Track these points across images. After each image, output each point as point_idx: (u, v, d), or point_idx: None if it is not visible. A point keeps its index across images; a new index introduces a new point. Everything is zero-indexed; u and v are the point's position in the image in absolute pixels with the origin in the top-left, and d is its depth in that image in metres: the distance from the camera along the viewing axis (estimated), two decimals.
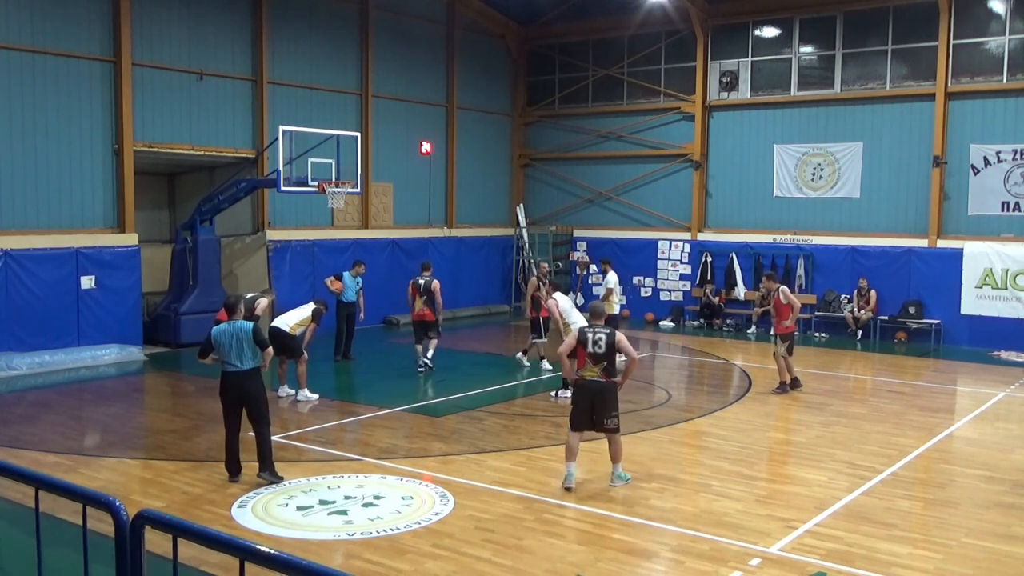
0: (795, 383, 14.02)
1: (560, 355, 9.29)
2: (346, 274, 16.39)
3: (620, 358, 9.14)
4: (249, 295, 13.99)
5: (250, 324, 9.09)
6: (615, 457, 9.01)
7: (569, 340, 9.21)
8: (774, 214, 21.60)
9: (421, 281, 15.21)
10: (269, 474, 8.96)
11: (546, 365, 15.28)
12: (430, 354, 15.24)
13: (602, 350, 8.83)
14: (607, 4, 22.89)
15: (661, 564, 7.21)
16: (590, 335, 8.91)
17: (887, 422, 12.07)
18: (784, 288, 13.95)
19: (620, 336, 8.91)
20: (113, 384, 14.75)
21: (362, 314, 16.57)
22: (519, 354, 16.02)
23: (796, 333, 14.45)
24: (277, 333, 12.37)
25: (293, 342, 12.68)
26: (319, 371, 13.90)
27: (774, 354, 14.14)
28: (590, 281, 24.13)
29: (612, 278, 16.14)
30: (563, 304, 13.39)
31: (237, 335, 8.87)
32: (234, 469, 9.05)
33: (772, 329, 14.85)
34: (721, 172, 22.45)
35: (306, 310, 13.17)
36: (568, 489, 8.80)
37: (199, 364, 11.74)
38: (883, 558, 7.18)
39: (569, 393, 13.18)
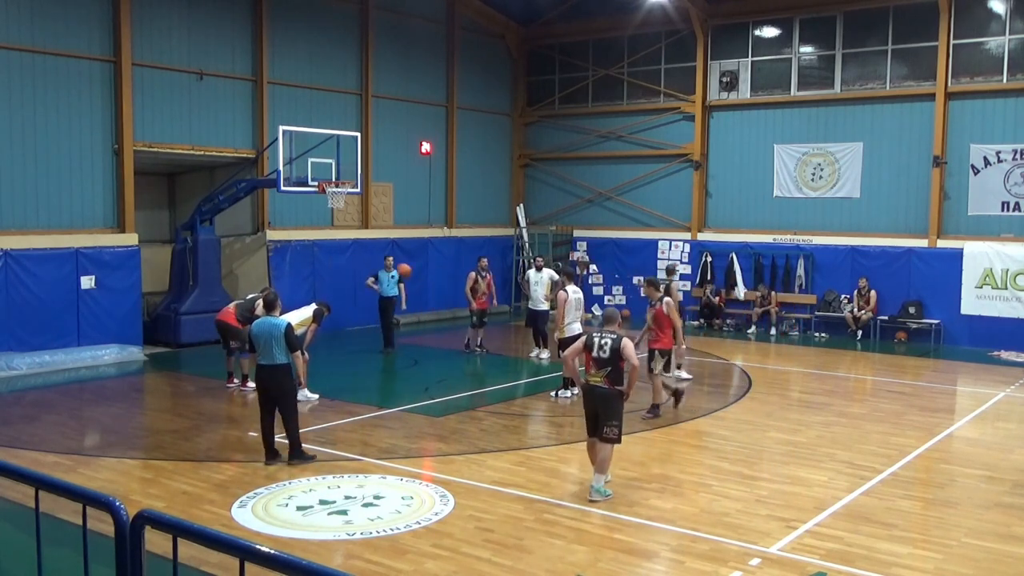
0: (654, 410, 12.15)
1: (565, 358, 9.21)
2: (380, 272, 17.29)
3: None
4: (249, 295, 14.02)
5: (284, 323, 9.71)
6: (600, 466, 8.61)
7: (576, 344, 9.08)
8: (774, 214, 21.60)
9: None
10: (297, 459, 9.57)
11: (678, 375, 14.82)
12: (479, 340, 17.34)
13: (606, 355, 8.62)
14: (607, 4, 22.89)
15: (661, 564, 7.21)
16: (596, 339, 8.73)
17: (887, 422, 12.07)
18: (668, 300, 12.41)
19: (627, 342, 8.66)
20: (113, 384, 14.74)
21: (403, 304, 17.61)
22: (678, 371, 14.82)
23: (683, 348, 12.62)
24: None
25: (294, 342, 12.66)
26: (320, 371, 13.90)
27: (650, 372, 12.34)
28: (590, 281, 24.15)
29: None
30: (570, 300, 13.38)
31: (271, 331, 9.52)
32: (270, 454, 9.66)
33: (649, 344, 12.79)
34: (721, 172, 22.45)
35: (307, 311, 13.17)
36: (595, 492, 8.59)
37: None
38: (883, 558, 7.18)
39: (569, 393, 13.24)
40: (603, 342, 8.68)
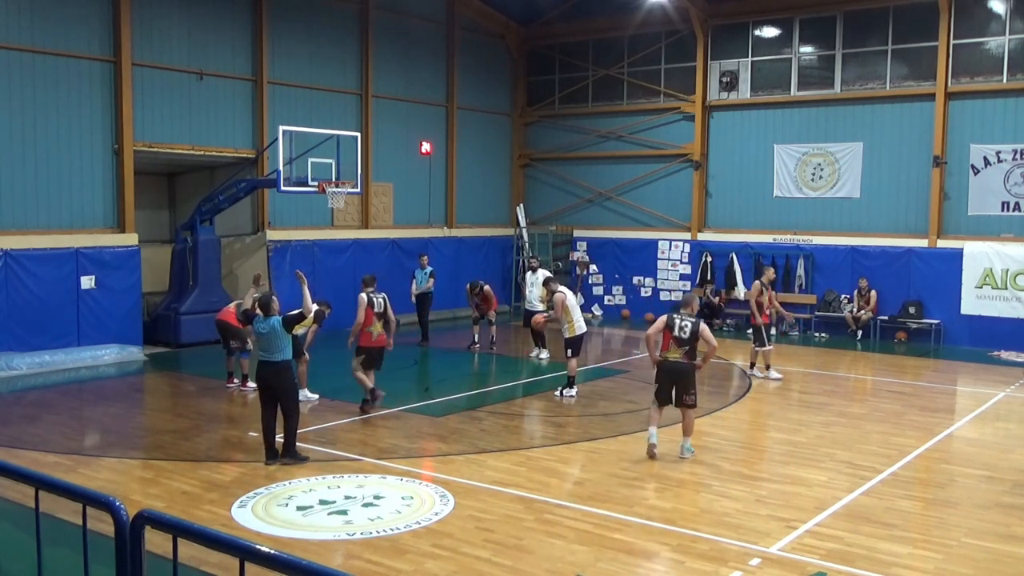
0: (371, 399, 12.12)
1: (648, 337, 10.05)
2: (416, 271, 18.76)
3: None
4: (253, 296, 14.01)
5: (279, 318, 9.77)
6: (687, 431, 10.03)
7: (658, 324, 10.06)
8: (774, 214, 21.60)
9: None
10: (290, 458, 9.63)
11: (774, 374, 15.05)
12: (493, 338, 17.88)
13: (687, 336, 9.86)
14: (607, 4, 22.88)
15: (661, 564, 7.21)
16: (677, 321, 9.94)
17: (887, 422, 12.07)
18: (362, 296, 12.08)
19: (704, 327, 9.99)
20: (113, 384, 14.74)
21: (429, 287, 18.52)
22: (751, 370, 15.37)
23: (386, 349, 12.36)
24: None
25: (295, 342, 12.66)
26: (320, 371, 13.90)
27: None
28: (590, 281, 24.15)
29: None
30: (570, 300, 13.48)
31: (271, 328, 9.64)
32: (270, 453, 9.69)
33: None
34: (721, 172, 22.44)
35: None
36: (652, 446, 9.87)
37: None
38: (883, 558, 7.18)
39: (574, 392, 13.26)
40: (683, 324, 9.90)
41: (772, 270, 16.52)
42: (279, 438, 9.81)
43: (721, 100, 22.27)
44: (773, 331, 19.83)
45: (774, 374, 15.11)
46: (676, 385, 9.96)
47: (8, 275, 15.10)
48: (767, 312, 15.35)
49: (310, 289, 10.61)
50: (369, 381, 12.17)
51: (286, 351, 9.69)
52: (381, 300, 12.38)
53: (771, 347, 15.32)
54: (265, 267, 19.08)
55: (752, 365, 15.47)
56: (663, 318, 10.13)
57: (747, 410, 12.86)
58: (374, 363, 12.25)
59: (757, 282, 15.61)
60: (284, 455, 9.66)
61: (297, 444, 9.84)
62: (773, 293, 15.80)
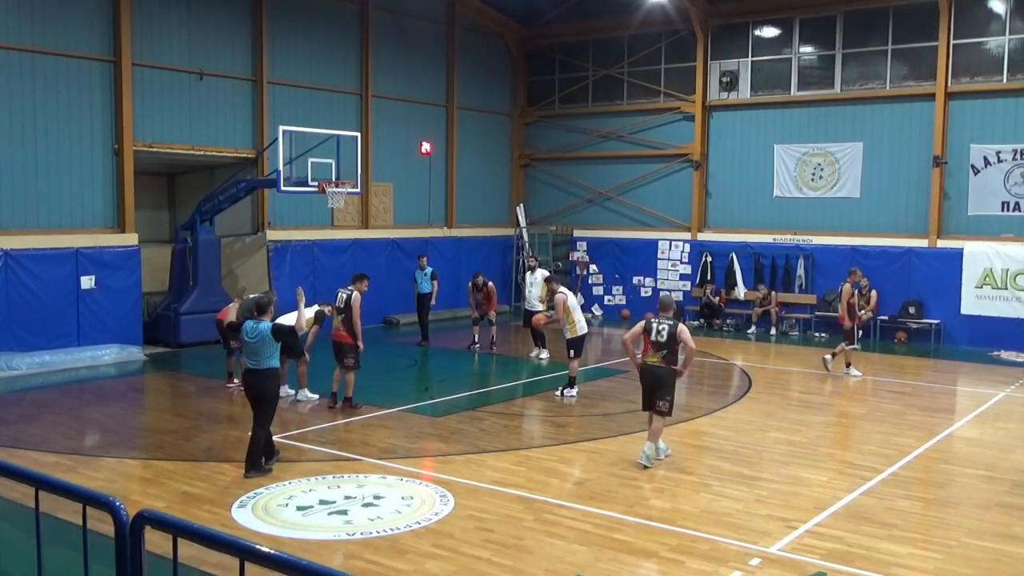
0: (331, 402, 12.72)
1: (625, 342, 9.93)
2: (416, 272, 18.74)
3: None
4: (250, 296, 13.99)
5: (268, 325, 9.43)
6: (652, 435, 9.77)
7: (636, 329, 9.87)
8: (774, 214, 21.60)
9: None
10: (255, 469, 9.23)
11: (855, 372, 15.48)
12: (493, 338, 17.84)
13: (664, 339, 9.64)
14: (607, 4, 22.87)
15: (661, 564, 7.20)
16: (655, 325, 9.70)
17: (887, 422, 12.07)
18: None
19: (683, 328, 9.71)
20: (113, 384, 14.74)
21: (432, 300, 18.62)
22: (845, 369, 15.56)
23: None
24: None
25: (295, 342, 12.66)
26: (321, 371, 13.89)
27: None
28: (590, 281, 24.15)
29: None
30: (571, 300, 13.54)
31: (260, 335, 9.31)
32: (268, 454, 9.44)
33: None
34: (721, 172, 22.44)
35: (308, 312, 13.15)
36: (645, 467, 9.60)
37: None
38: (883, 558, 7.18)
39: (574, 392, 13.26)
40: (660, 328, 9.68)
41: (859, 272, 16.14)
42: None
43: (721, 100, 22.27)
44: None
45: (855, 372, 15.47)
46: (653, 388, 9.74)
47: (8, 275, 15.10)
48: (859, 314, 15.75)
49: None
50: (335, 383, 12.52)
51: (272, 359, 9.35)
52: (344, 296, 12.56)
53: (857, 346, 15.72)
54: (265, 267, 19.09)
55: (846, 364, 15.61)
56: (641, 323, 9.90)
57: (747, 410, 12.86)
58: (336, 358, 12.48)
59: (848, 285, 15.56)
60: (248, 463, 9.22)
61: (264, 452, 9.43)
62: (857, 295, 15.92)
